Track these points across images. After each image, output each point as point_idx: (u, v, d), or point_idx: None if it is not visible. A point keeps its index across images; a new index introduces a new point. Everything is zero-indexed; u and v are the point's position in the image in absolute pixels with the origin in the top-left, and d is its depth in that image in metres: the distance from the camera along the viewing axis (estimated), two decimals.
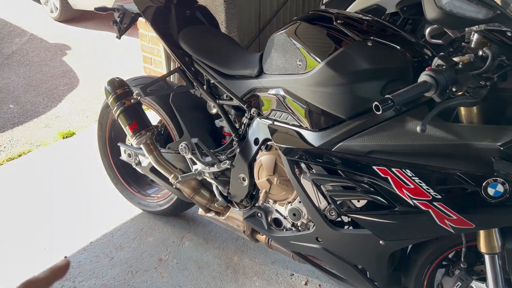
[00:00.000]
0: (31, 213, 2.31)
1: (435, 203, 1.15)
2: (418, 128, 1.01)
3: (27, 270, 1.97)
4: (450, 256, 1.41)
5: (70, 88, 3.83)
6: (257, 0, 3.41)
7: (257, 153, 1.59)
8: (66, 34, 5.04)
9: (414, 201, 1.18)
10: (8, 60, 4.32)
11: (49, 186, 2.51)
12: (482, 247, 1.23)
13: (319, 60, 1.30)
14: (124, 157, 2.16)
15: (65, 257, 2.05)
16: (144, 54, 3.38)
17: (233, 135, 1.67)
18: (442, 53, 1.10)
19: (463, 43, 1.20)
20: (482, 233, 1.22)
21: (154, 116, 2.10)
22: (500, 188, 1.06)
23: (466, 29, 1.14)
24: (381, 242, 1.32)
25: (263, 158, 1.56)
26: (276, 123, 1.50)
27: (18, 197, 2.43)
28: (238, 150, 1.65)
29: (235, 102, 1.65)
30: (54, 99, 3.65)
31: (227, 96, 1.70)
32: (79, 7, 5.11)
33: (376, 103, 0.98)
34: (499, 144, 1.04)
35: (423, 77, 1.04)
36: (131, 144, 1.94)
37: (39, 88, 3.80)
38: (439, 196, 1.14)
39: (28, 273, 1.95)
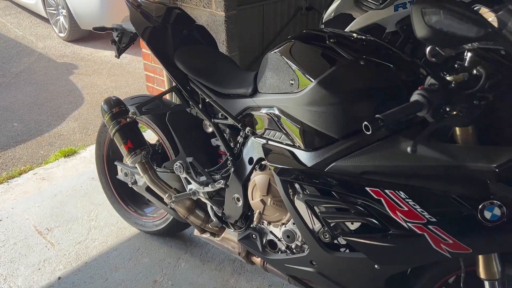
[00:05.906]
0: (24, 233, 2.29)
1: (430, 227, 1.10)
2: (409, 149, 0.98)
3: None
4: (450, 281, 1.36)
5: (75, 107, 3.86)
6: (260, 20, 3.44)
7: (251, 172, 1.56)
8: (74, 53, 5.11)
9: (409, 224, 1.13)
10: (15, 79, 4.38)
11: (44, 205, 2.50)
12: (481, 273, 1.17)
13: (311, 79, 1.27)
14: (121, 176, 2.15)
15: (59, 278, 2.02)
16: (147, 73, 3.40)
17: (228, 154, 1.65)
18: (435, 72, 1.08)
19: (457, 62, 1.17)
20: (481, 258, 1.17)
21: (152, 135, 2.09)
22: (497, 211, 1.01)
23: (461, 46, 1.11)
24: (376, 266, 1.27)
25: (257, 178, 1.53)
26: (270, 142, 1.47)
27: (13, 215, 2.41)
28: (232, 169, 1.62)
29: (230, 121, 1.63)
30: (58, 117, 3.67)
31: (222, 115, 1.68)
32: (87, 27, 5.20)
33: (365, 123, 0.96)
34: (495, 165, 1.00)
35: (415, 96, 1.02)
36: (127, 163, 1.93)
37: (43, 107, 3.83)
38: (434, 219, 1.09)
39: None
